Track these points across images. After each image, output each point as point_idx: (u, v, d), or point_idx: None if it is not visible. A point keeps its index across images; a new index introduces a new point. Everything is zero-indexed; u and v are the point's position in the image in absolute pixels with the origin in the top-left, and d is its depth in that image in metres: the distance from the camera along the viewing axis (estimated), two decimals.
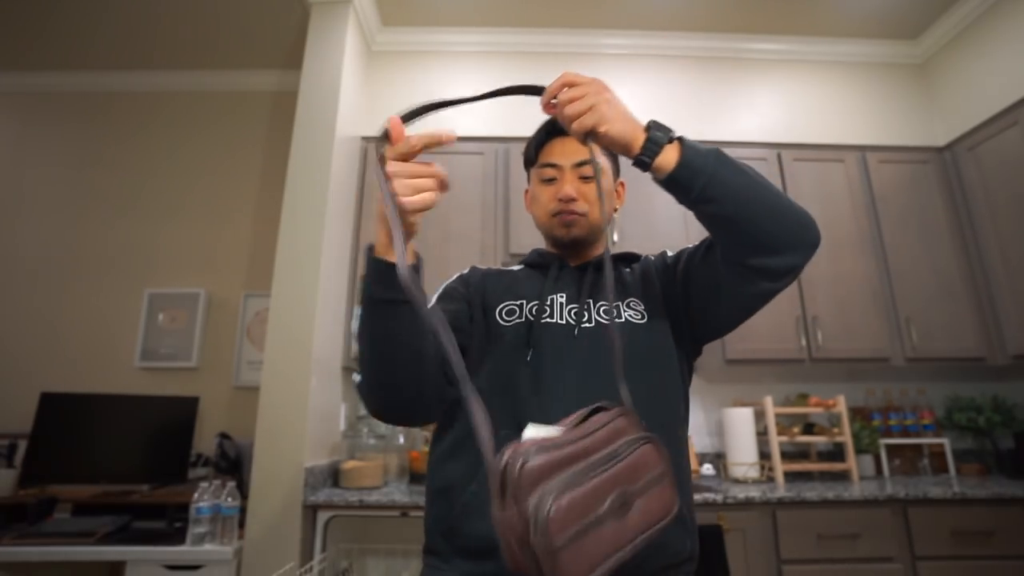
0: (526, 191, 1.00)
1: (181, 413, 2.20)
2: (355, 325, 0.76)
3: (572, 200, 0.86)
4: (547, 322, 0.82)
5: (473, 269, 0.96)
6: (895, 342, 2.21)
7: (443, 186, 0.62)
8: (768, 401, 2.16)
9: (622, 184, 0.97)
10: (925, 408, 2.37)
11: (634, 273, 0.91)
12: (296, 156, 2.05)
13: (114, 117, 2.82)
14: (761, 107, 2.54)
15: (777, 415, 2.32)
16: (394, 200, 0.57)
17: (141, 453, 2.12)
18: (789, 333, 2.19)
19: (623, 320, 0.82)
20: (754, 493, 1.74)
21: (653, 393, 0.78)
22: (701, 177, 0.68)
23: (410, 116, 0.67)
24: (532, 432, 0.48)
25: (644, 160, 0.68)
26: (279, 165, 2.63)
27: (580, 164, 0.88)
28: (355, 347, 0.75)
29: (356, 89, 2.34)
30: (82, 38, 2.62)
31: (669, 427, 0.78)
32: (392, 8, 2.44)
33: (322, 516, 1.78)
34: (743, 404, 2.28)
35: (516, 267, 0.97)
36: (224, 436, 1.99)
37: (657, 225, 2.27)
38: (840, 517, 1.72)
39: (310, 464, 1.79)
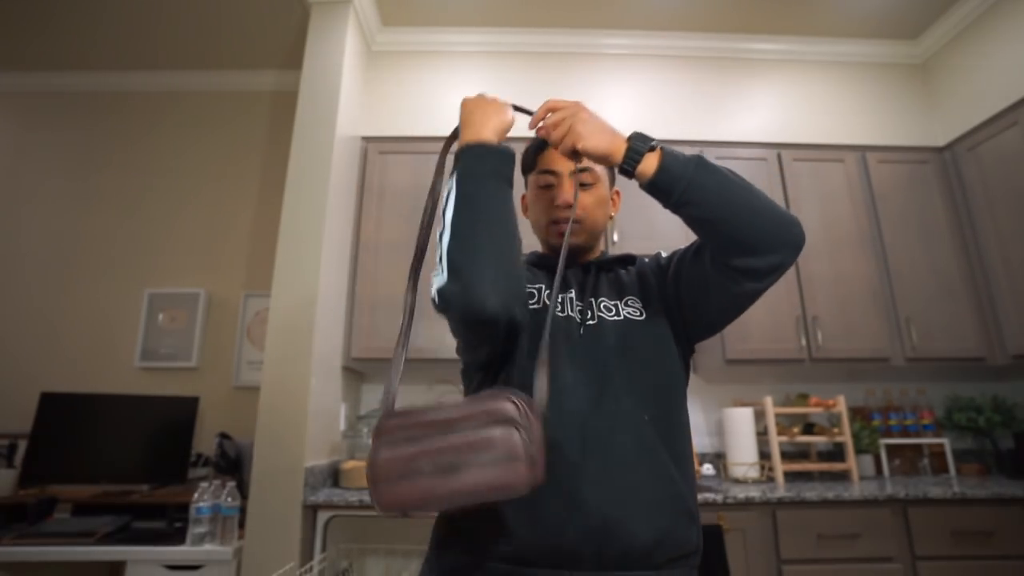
0: (523, 196, 1.01)
1: (181, 413, 2.20)
2: (449, 215, 0.74)
3: (569, 206, 0.87)
4: (559, 315, 0.84)
5: None
6: (895, 342, 2.21)
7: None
8: (768, 401, 2.16)
9: (617, 193, 0.99)
10: (925, 408, 2.37)
11: (631, 274, 0.93)
12: (296, 156, 2.05)
13: (114, 117, 2.82)
14: (761, 107, 2.54)
15: (777, 415, 2.32)
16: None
17: (141, 453, 2.12)
18: (789, 333, 2.19)
19: (623, 318, 0.85)
20: (754, 493, 1.74)
21: (656, 386, 0.81)
22: (680, 182, 0.74)
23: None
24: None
25: (626, 168, 0.76)
26: (279, 165, 2.63)
27: (578, 170, 0.88)
28: (446, 241, 0.72)
29: (356, 89, 2.35)
30: (82, 38, 2.62)
31: (672, 418, 0.81)
32: (392, 8, 2.44)
33: (322, 516, 1.78)
34: (743, 404, 2.28)
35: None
36: (224, 436, 1.99)
37: (657, 225, 2.27)
38: (840, 517, 1.72)
39: (310, 464, 1.79)
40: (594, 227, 0.91)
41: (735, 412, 2.20)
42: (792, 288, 2.23)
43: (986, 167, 2.29)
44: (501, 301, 0.69)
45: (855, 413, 2.42)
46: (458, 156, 0.77)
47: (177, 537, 1.71)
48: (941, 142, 2.50)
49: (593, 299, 0.87)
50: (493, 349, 0.81)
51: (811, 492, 1.75)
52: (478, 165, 0.75)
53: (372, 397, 2.44)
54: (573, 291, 0.88)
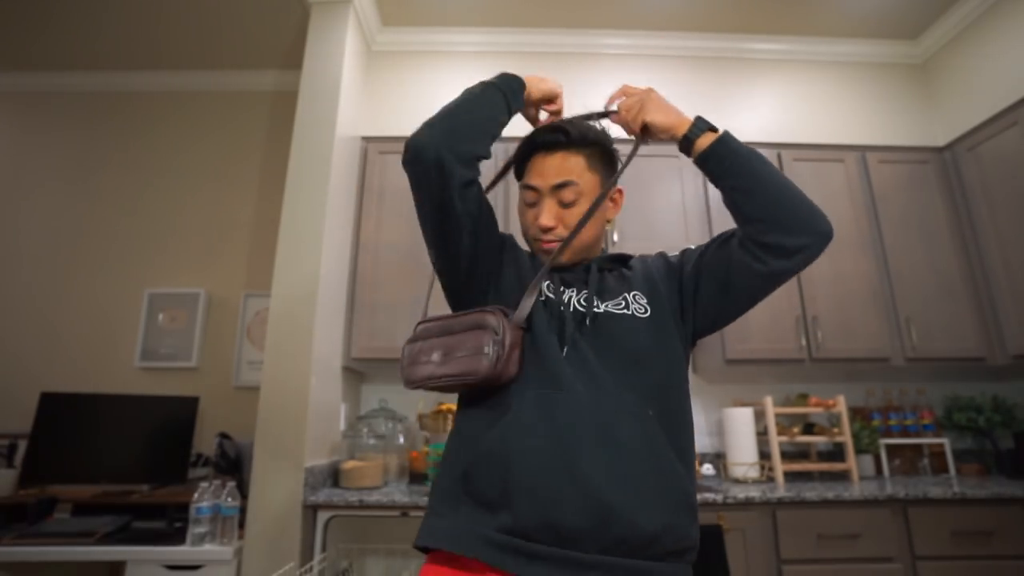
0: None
1: (181, 413, 2.20)
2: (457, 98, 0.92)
3: (550, 229, 0.89)
4: (564, 310, 0.86)
5: (512, 236, 1.00)
6: (895, 342, 2.21)
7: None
8: (768, 401, 2.16)
9: (620, 191, 0.97)
10: (925, 408, 2.37)
11: (634, 271, 0.94)
12: (296, 156, 2.05)
13: (114, 117, 2.83)
14: (761, 107, 2.54)
15: (777, 415, 2.32)
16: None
17: (141, 453, 2.12)
18: (789, 333, 2.19)
19: (630, 313, 0.86)
20: (754, 493, 1.74)
21: (660, 383, 0.82)
22: (730, 156, 0.83)
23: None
24: None
25: (688, 137, 0.86)
26: (279, 165, 2.63)
27: (559, 187, 0.88)
28: (443, 112, 0.88)
29: (356, 89, 2.35)
30: (82, 38, 2.62)
31: (676, 414, 0.83)
32: (392, 8, 2.45)
33: (322, 516, 1.78)
34: (743, 404, 2.28)
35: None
36: (224, 436, 1.99)
37: (656, 225, 2.27)
38: (840, 517, 1.72)
39: (310, 464, 1.79)
40: (581, 243, 0.90)
41: (735, 412, 2.21)
42: (792, 288, 2.23)
43: (986, 167, 2.29)
44: (436, 144, 0.82)
45: (855, 413, 2.42)
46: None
47: (177, 537, 1.71)
48: (941, 142, 2.50)
49: (598, 295, 0.87)
50: (449, 251, 0.87)
51: (811, 492, 1.75)
52: (500, 80, 0.98)
53: (372, 397, 2.44)
54: (574, 288, 0.89)
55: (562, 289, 0.88)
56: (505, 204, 2.26)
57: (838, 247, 2.29)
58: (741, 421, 2.18)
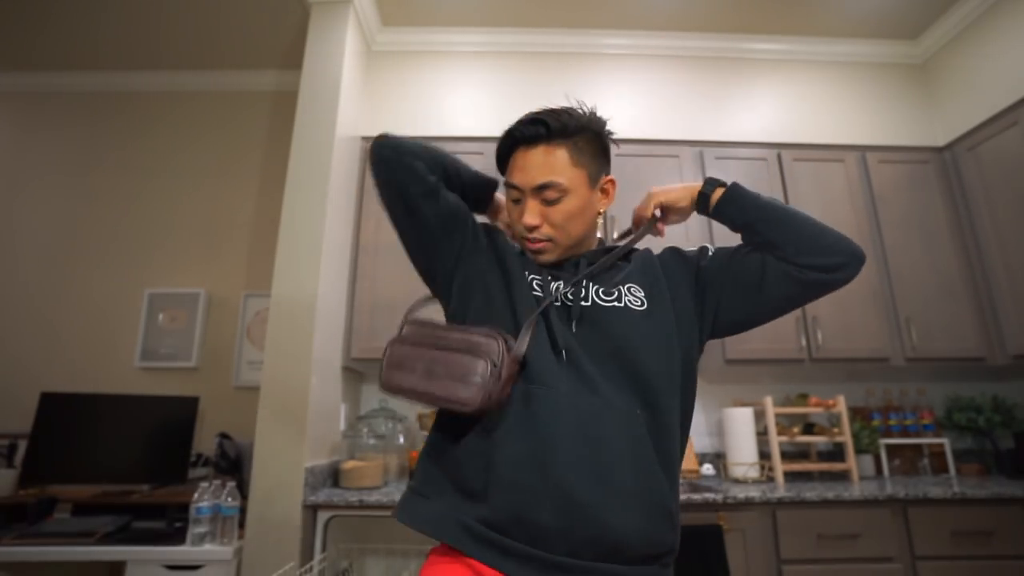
0: None
1: (181, 413, 2.20)
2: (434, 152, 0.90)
3: (534, 228, 0.86)
4: (552, 302, 0.84)
5: (498, 229, 0.98)
6: (895, 342, 2.21)
7: None
8: (768, 401, 2.16)
9: (611, 182, 0.93)
10: (925, 408, 2.37)
11: (632, 263, 0.91)
12: (296, 156, 2.05)
13: (113, 117, 2.83)
14: (761, 107, 2.54)
15: (777, 415, 2.32)
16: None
17: (141, 453, 2.12)
18: (789, 333, 2.19)
19: (623, 306, 0.83)
20: (754, 493, 1.74)
21: (653, 380, 0.79)
22: (747, 196, 0.87)
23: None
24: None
25: (704, 193, 0.90)
26: (279, 165, 2.63)
27: (539, 188, 0.85)
28: (414, 144, 0.88)
29: (356, 89, 2.34)
30: (82, 38, 2.62)
31: (665, 415, 0.79)
32: (392, 8, 2.44)
33: (322, 516, 1.78)
34: (743, 404, 2.28)
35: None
36: (224, 436, 1.99)
37: None
38: (840, 517, 1.72)
39: (310, 464, 1.79)
40: (568, 240, 0.88)
41: (735, 412, 2.21)
42: None
43: (986, 167, 2.29)
44: (393, 145, 0.85)
45: (855, 413, 2.42)
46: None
47: (177, 537, 1.71)
48: (941, 142, 2.50)
49: (586, 289, 0.85)
50: (422, 240, 0.91)
51: (811, 492, 1.75)
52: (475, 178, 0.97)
53: (372, 397, 2.44)
54: (562, 281, 0.86)
55: (549, 279, 0.87)
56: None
57: None
58: (741, 421, 2.18)
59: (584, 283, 0.86)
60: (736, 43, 2.61)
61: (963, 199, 2.38)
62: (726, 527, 1.69)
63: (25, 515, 1.89)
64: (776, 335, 2.18)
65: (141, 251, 2.64)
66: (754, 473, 2.11)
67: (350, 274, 2.22)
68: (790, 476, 2.16)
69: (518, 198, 0.89)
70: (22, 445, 2.12)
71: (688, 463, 2.21)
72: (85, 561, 1.68)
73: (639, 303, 0.84)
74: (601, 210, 0.92)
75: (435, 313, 0.92)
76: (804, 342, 2.18)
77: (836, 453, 2.36)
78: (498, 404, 0.75)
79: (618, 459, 0.73)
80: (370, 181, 2.31)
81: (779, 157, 2.40)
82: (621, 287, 0.85)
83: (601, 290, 0.85)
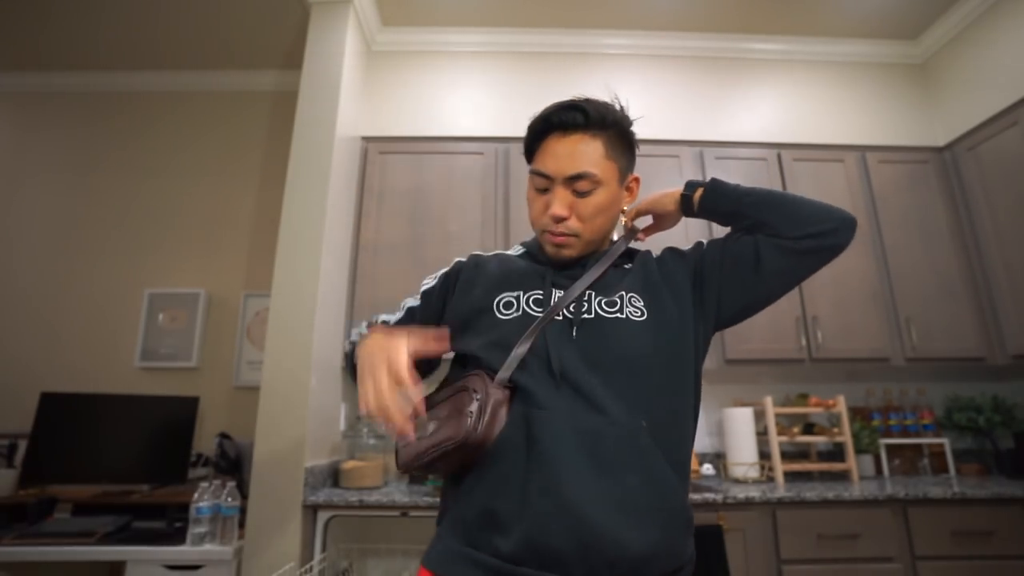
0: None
1: (181, 413, 2.20)
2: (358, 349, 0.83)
3: (562, 219, 0.82)
4: (548, 316, 0.80)
5: (471, 257, 0.97)
6: (895, 342, 2.21)
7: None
8: (768, 401, 2.16)
9: (636, 179, 0.91)
10: (925, 408, 2.37)
11: (634, 269, 0.89)
12: (296, 156, 2.05)
13: (113, 117, 2.82)
14: (761, 107, 2.54)
15: (777, 415, 2.32)
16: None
17: (141, 453, 2.12)
18: (789, 333, 2.19)
19: (624, 316, 0.80)
20: (754, 493, 1.74)
21: (656, 391, 0.78)
22: (729, 187, 0.88)
23: None
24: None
25: (686, 194, 0.92)
26: (279, 165, 2.63)
27: (573, 179, 0.81)
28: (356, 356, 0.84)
29: (356, 89, 2.34)
30: (82, 38, 2.62)
31: (674, 426, 0.79)
32: (392, 8, 2.44)
33: (322, 516, 1.78)
34: (743, 404, 2.28)
35: (517, 250, 0.97)
36: (224, 436, 1.99)
37: None
38: (840, 517, 1.72)
39: (310, 464, 1.79)
40: (593, 235, 0.85)
41: (735, 412, 2.20)
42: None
43: (986, 167, 2.29)
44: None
45: (855, 413, 2.41)
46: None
47: (177, 537, 1.71)
48: (941, 142, 2.50)
49: (588, 299, 0.82)
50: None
51: (811, 492, 1.75)
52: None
53: None
54: (563, 289, 0.83)
55: (552, 291, 0.83)
56: (505, 205, 2.26)
57: None
58: (741, 421, 2.18)
59: (587, 294, 0.83)
60: (736, 43, 2.61)
61: (963, 199, 2.38)
62: (726, 527, 1.68)
63: (25, 515, 1.89)
64: (776, 335, 2.18)
65: (141, 251, 2.64)
66: (754, 473, 2.11)
67: (350, 274, 2.22)
68: (790, 476, 2.16)
69: (546, 187, 0.83)
70: (22, 445, 2.12)
71: None
72: (85, 561, 1.68)
73: (639, 313, 0.81)
74: (624, 208, 0.91)
75: None
76: (804, 342, 2.18)
77: (836, 453, 2.36)
78: (489, 432, 0.73)
79: (628, 473, 0.71)
80: (370, 181, 2.32)
81: (779, 157, 2.40)
82: (623, 294, 0.82)
83: (604, 301, 0.82)
